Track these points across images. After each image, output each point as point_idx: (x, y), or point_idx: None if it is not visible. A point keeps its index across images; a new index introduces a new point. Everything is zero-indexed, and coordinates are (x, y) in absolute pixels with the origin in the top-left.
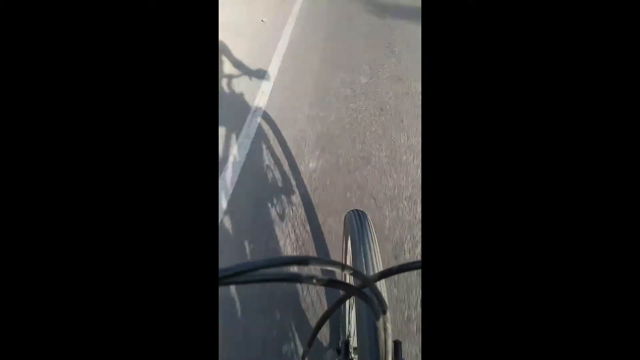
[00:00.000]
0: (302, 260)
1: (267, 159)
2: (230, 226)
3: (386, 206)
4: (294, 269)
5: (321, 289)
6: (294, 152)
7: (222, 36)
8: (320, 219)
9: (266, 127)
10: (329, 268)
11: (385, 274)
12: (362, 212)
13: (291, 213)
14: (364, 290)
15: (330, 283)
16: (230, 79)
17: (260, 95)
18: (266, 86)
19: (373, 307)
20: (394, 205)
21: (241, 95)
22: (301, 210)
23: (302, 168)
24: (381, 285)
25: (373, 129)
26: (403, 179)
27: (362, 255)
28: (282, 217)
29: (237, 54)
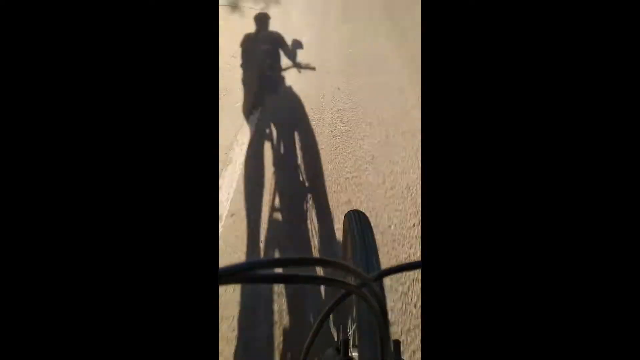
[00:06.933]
0: (302, 261)
1: None
2: None
3: None
4: (294, 268)
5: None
6: None
7: None
8: None
9: None
10: (329, 268)
11: (385, 274)
12: (362, 212)
13: None
14: (364, 290)
15: (330, 283)
16: None
17: None
18: None
19: (372, 306)
20: None
21: None
22: None
23: None
24: (382, 284)
25: None
26: None
27: (362, 255)
28: None
29: None
